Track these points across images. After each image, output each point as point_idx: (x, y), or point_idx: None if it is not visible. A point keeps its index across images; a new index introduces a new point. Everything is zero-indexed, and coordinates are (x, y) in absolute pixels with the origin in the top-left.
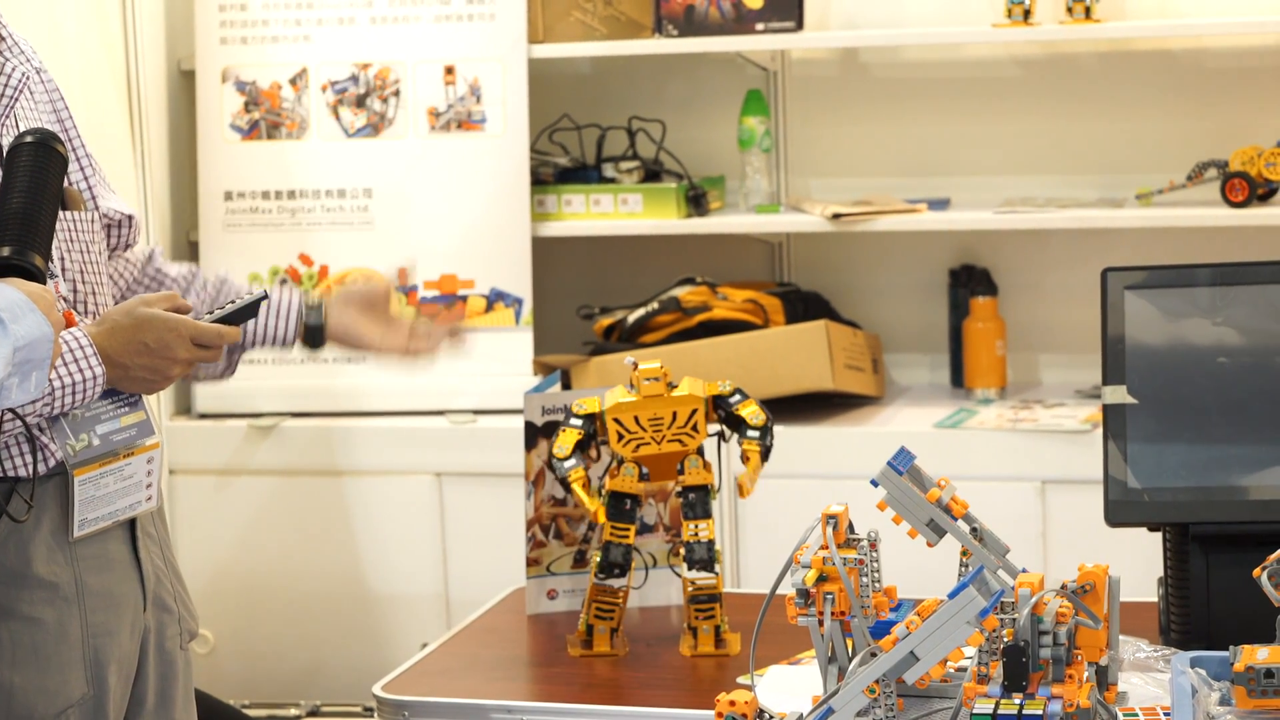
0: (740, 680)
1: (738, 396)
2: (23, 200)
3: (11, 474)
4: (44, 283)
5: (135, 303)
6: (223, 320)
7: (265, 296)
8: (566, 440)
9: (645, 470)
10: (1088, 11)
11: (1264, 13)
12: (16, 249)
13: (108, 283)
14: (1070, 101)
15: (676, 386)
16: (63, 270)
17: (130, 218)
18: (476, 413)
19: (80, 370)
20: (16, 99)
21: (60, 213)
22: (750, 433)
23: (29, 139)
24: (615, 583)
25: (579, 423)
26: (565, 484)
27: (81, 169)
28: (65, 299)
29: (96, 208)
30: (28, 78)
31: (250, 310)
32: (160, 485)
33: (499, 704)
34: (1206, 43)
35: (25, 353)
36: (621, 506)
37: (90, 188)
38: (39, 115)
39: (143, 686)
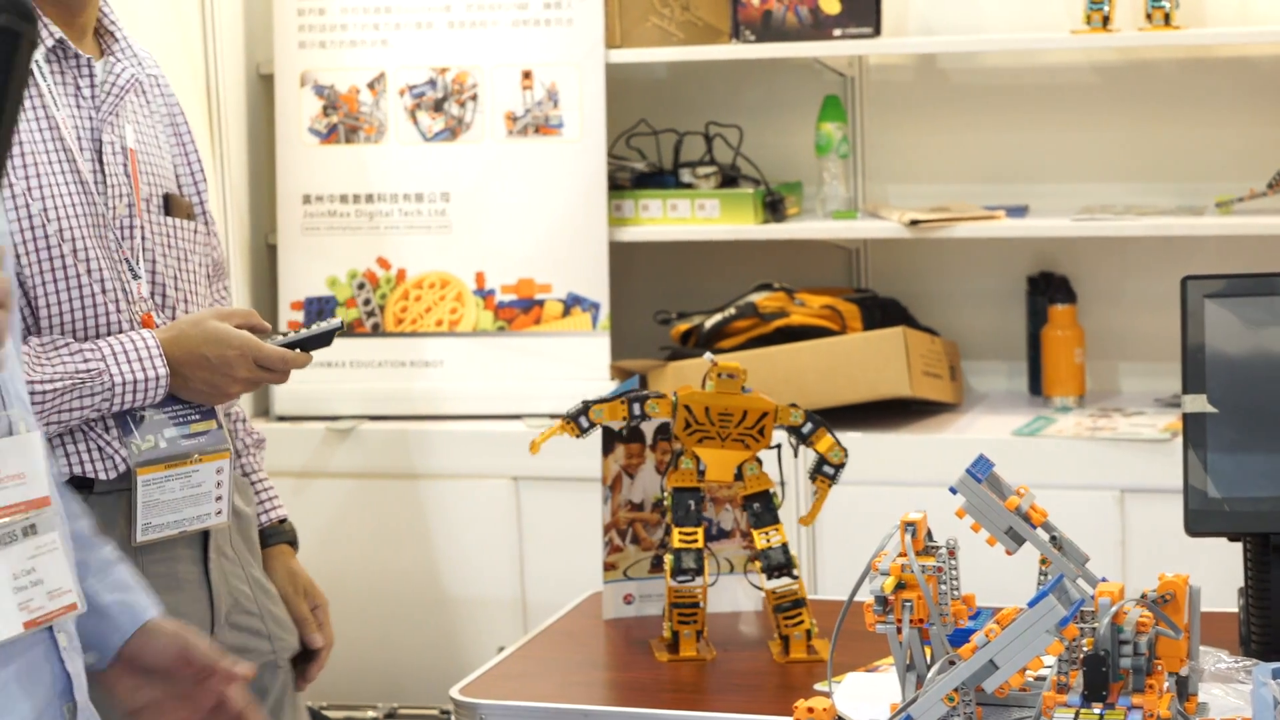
0: (818, 687)
1: (810, 426)
2: None
3: (80, 474)
4: None
5: (208, 314)
6: (294, 345)
7: (341, 325)
8: (614, 410)
9: (704, 466)
10: (1167, 18)
11: None
12: None
13: (205, 295)
14: (1149, 108)
15: (750, 393)
16: (153, 273)
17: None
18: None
19: (144, 369)
20: (123, 98)
21: (162, 218)
22: (826, 469)
23: None
24: (692, 584)
25: (639, 413)
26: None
27: (195, 183)
28: (147, 300)
29: (203, 215)
30: (137, 80)
31: (324, 339)
32: (231, 501)
33: (576, 708)
34: None
35: None
36: (687, 507)
37: (202, 202)
38: (154, 121)
39: None
